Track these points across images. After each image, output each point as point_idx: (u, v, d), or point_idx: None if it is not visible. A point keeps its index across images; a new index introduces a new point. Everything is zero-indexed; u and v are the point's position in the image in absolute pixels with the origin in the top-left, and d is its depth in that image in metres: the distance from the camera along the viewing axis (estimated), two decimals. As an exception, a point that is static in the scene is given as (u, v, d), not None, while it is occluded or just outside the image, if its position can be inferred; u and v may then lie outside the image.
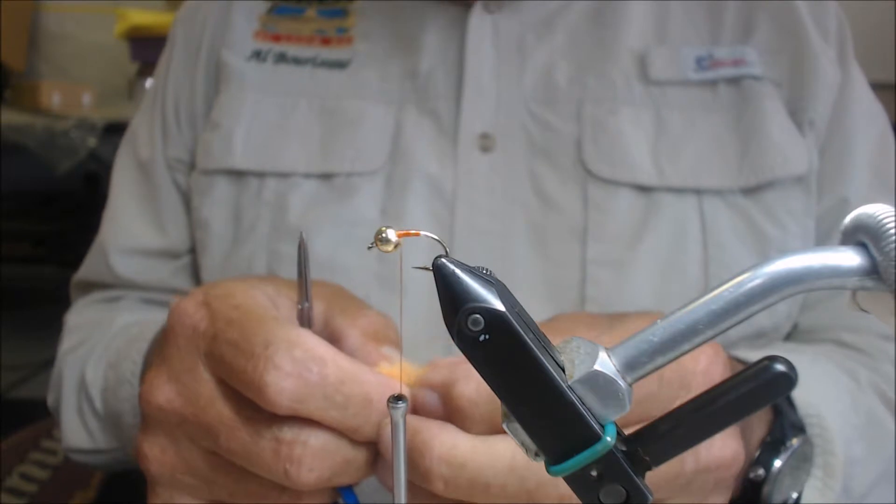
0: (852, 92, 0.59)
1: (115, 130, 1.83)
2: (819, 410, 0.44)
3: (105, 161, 1.81)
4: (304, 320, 0.36)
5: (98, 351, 0.56)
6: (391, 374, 0.35)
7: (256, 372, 0.31)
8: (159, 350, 0.37)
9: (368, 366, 0.34)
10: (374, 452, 0.34)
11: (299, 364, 0.31)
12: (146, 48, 2.07)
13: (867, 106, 0.60)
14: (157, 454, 0.35)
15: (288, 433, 0.32)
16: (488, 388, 0.31)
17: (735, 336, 0.53)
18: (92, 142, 1.84)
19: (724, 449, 0.34)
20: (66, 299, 0.67)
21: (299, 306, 0.36)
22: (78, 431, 0.56)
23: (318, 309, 0.38)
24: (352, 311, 0.38)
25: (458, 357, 0.33)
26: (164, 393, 0.34)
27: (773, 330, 0.56)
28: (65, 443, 0.56)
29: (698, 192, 0.53)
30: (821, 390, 0.46)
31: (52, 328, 0.67)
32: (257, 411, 0.32)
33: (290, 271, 0.54)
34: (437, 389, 0.33)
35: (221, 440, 0.33)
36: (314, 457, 0.32)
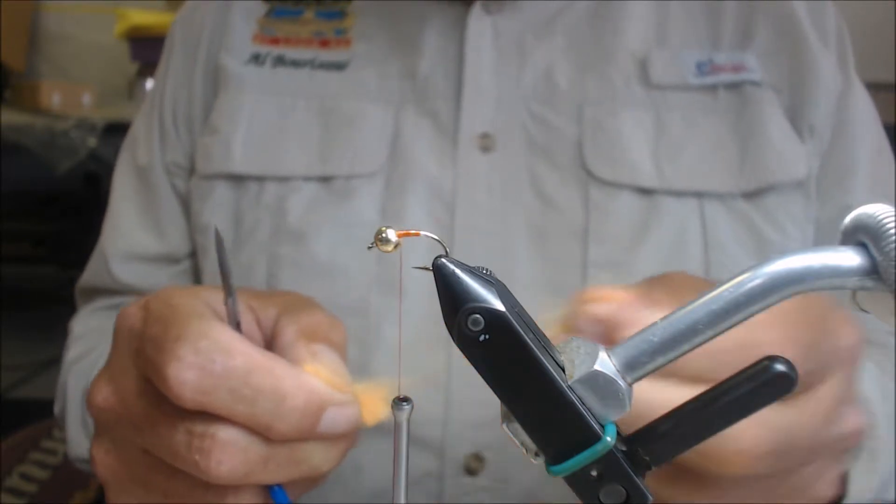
0: (854, 98, 0.59)
1: (115, 130, 1.83)
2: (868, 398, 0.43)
3: (105, 161, 1.81)
4: (230, 318, 0.36)
5: (102, 363, 0.56)
6: (316, 372, 0.33)
7: (162, 365, 0.31)
8: (110, 352, 0.37)
9: (296, 364, 0.33)
10: (308, 451, 0.33)
11: (202, 355, 0.31)
12: (146, 48, 2.07)
13: (867, 113, 0.60)
14: (103, 456, 0.35)
15: (199, 425, 0.31)
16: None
17: None
18: (92, 142, 1.84)
19: (857, 418, 0.35)
20: (66, 299, 0.67)
21: (225, 304, 0.36)
22: (83, 442, 0.56)
23: (270, 317, 0.38)
24: (298, 313, 0.37)
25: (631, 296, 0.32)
26: (102, 393, 0.35)
27: None
28: (70, 452, 0.56)
29: (699, 195, 0.53)
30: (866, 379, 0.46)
31: (52, 328, 0.67)
32: (177, 406, 0.32)
33: (291, 275, 0.53)
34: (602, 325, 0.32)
35: (146, 435, 0.33)
36: (222, 450, 0.31)
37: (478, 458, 0.51)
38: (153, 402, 0.33)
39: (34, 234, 2.47)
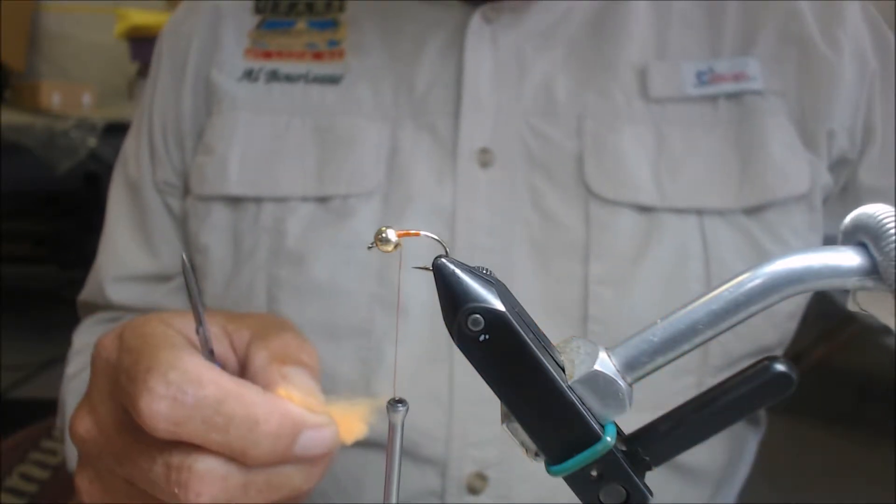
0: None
1: (115, 130, 1.83)
2: None
3: (105, 161, 1.81)
4: (203, 345, 0.36)
5: None
6: (290, 396, 0.34)
7: (134, 397, 0.31)
8: (89, 381, 0.37)
9: (267, 388, 0.33)
10: (288, 474, 0.33)
11: (173, 386, 0.31)
12: (146, 48, 2.06)
13: None
14: (87, 486, 0.36)
15: (176, 458, 0.32)
16: None
17: (738, 353, 0.53)
18: (92, 142, 1.84)
19: None
20: (66, 299, 0.67)
21: (196, 333, 0.36)
22: None
23: (243, 340, 0.38)
24: (268, 338, 0.37)
25: None
26: (84, 424, 0.35)
27: (777, 345, 0.56)
28: (70, 467, 0.56)
29: (699, 211, 0.53)
30: None
31: (52, 328, 0.67)
32: (154, 437, 0.32)
33: (291, 297, 0.53)
34: None
35: (127, 467, 0.33)
36: (200, 481, 0.31)
37: (480, 477, 0.51)
38: (132, 434, 0.33)
39: (34, 234, 2.47)
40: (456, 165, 0.54)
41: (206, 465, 0.31)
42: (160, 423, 0.31)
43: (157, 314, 0.37)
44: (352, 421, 0.34)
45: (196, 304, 0.35)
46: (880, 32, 0.57)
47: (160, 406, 0.31)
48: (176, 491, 0.31)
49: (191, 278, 0.34)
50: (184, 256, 0.34)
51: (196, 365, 0.32)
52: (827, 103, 0.55)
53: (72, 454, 0.56)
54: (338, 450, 0.35)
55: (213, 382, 0.31)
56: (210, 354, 0.36)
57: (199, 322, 0.35)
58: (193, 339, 0.36)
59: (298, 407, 0.33)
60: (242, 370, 0.37)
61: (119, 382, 0.33)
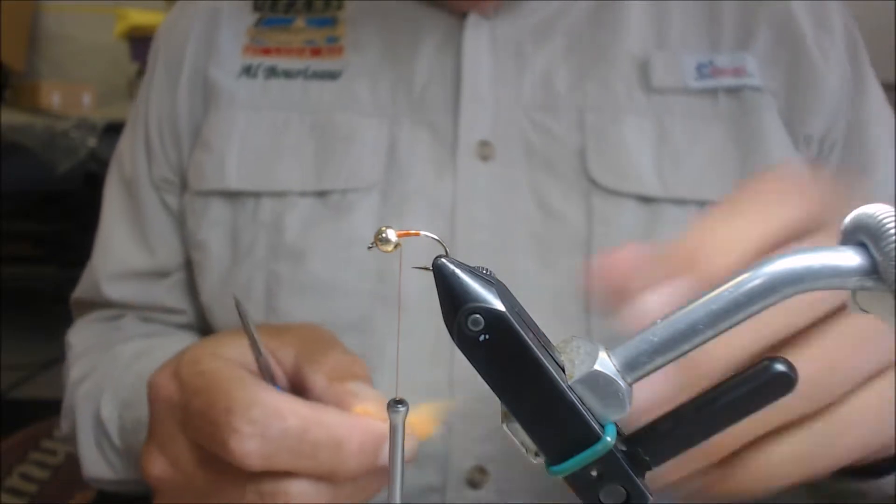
0: (868, 97, 0.57)
1: (115, 130, 1.83)
2: None
3: (105, 161, 1.81)
4: (265, 373, 0.37)
5: (110, 386, 0.55)
6: (365, 412, 0.35)
7: (221, 439, 0.32)
8: (150, 422, 0.38)
9: (339, 408, 0.35)
10: (369, 481, 0.35)
11: (258, 424, 0.32)
12: (146, 48, 2.06)
13: (882, 110, 0.58)
14: None
15: (267, 485, 0.33)
16: None
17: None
18: (92, 142, 1.85)
19: None
20: (66, 299, 0.67)
21: (257, 361, 0.37)
22: (98, 463, 0.55)
23: (288, 358, 0.39)
24: (317, 357, 0.38)
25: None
26: (158, 465, 0.36)
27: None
28: (85, 473, 0.56)
29: (701, 203, 0.53)
30: None
31: (52, 328, 0.67)
32: (240, 469, 0.33)
33: (290, 293, 0.53)
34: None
35: (213, 499, 0.34)
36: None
37: (481, 471, 0.51)
38: (215, 467, 0.34)
39: (34, 234, 2.48)
40: (456, 159, 0.54)
41: (298, 489, 0.33)
42: (254, 459, 0.32)
43: (204, 348, 0.38)
44: (420, 422, 0.36)
45: (252, 337, 0.36)
46: (852, 33, 0.58)
47: (251, 445, 0.32)
48: None
49: (245, 317, 0.36)
50: (236, 297, 0.36)
51: (273, 398, 0.33)
52: (810, 109, 0.55)
53: (89, 457, 0.55)
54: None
55: (293, 413, 0.33)
56: (271, 380, 0.37)
57: (259, 353, 0.37)
58: (247, 363, 0.37)
59: (375, 420, 0.34)
60: (293, 387, 0.38)
61: (193, 424, 0.34)
